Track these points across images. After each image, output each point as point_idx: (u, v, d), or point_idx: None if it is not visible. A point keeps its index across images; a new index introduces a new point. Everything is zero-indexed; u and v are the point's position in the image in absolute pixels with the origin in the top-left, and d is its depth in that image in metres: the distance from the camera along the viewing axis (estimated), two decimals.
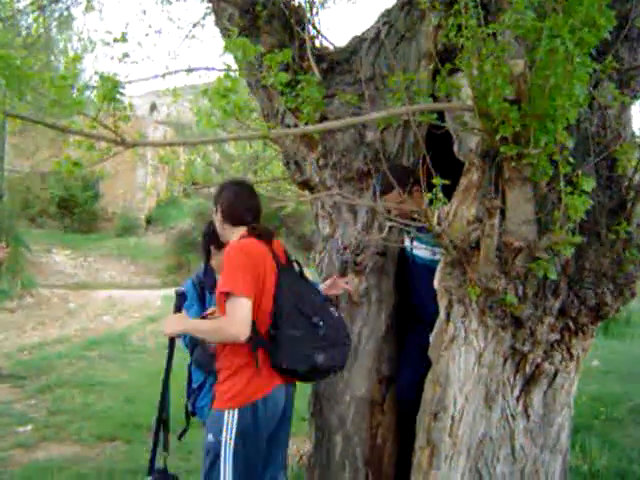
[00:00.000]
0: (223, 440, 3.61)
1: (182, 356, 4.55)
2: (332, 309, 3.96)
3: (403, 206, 3.97)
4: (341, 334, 3.88)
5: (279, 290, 3.75)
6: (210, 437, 3.70)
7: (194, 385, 4.71)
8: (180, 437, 4.65)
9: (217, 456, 3.63)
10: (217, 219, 4.07)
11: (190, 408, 4.73)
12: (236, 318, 3.51)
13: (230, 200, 3.95)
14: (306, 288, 3.96)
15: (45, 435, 7.14)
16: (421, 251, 4.40)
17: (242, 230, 3.91)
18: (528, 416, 3.81)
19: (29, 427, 7.38)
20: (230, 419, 3.62)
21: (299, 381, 3.96)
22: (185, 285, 4.80)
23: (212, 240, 4.59)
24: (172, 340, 4.06)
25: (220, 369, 3.82)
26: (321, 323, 3.73)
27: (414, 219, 3.68)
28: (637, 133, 3.97)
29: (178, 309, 4.05)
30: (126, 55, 3.40)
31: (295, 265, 4.09)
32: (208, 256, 4.76)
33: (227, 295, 3.55)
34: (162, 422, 4.18)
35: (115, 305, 15.37)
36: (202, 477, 3.80)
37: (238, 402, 3.64)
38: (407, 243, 4.48)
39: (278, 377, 3.73)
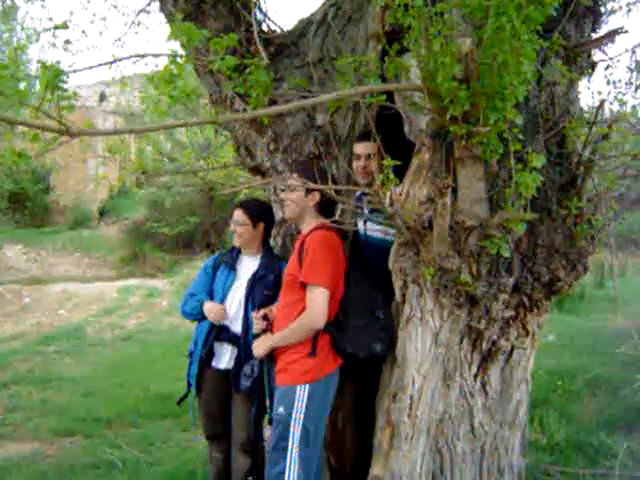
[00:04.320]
0: (294, 413, 3.90)
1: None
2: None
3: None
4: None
5: (349, 282, 4.08)
6: (281, 410, 3.97)
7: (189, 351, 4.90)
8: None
9: (287, 428, 3.91)
10: (301, 199, 4.20)
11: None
12: (317, 309, 3.91)
13: (337, 192, 4.01)
14: (369, 284, 4.15)
15: (2, 433, 7.03)
16: (375, 232, 4.40)
17: (318, 221, 4.15)
18: (486, 393, 3.84)
19: None
20: (302, 394, 3.91)
21: (354, 367, 4.16)
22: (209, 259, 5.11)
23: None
24: (262, 361, 4.38)
25: (287, 349, 4.06)
26: (382, 316, 3.96)
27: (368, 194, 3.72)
28: (585, 109, 4.00)
29: (264, 331, 4.29)
30: (68, 42, 3.32)
31: None
32: None
33: (308, 284, 3.93)
34: None
35: (70, 299, 15.14)
36: (270, 448, 4.05)
37: (309, 378, 3.94)
38: (360, 225, 4.48)
39: (339, 360, 4.06)
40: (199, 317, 4.72)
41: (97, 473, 5.87)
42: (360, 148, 4.38)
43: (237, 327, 4.60)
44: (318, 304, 3.89)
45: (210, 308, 4.63)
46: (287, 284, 4.14)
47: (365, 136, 4.40)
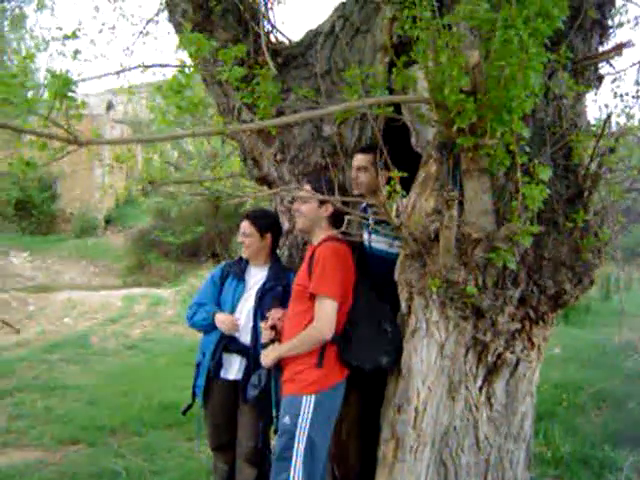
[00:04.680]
0: (299, 423, 3.89)
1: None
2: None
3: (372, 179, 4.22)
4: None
5: (357, 294, 4.07)
6: (286, 419, 3.96)
7: (197, 362, 4.87)
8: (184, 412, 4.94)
9: (292, 438, 3.89)
10: (314, 211, 4.20)
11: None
12: (326, 320, 3.92)
13: (344, 203, 4.00)
14: (377, 297, 4.14)
15: (6, 441, 7.01)
16: (379, 244, 4.41)
17: (328, 232, 4.18)
18: (491, 406, 3.83)
19: None
20: (308, 404, 3.91)
21: (360, 377, 4.16)
22: (216, 269, 5.08)
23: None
24: (269, 371, 4.33)
25: (294, 360, 4.06)
26: (389, 329, 3.94)
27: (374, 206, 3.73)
28: (592, 122, 4.00)
29: (272, 341, 4.27)
30: (78, 52, 3.33)
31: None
32: None
33: (317, 295, 3.94)
34: None
35: (75, 307, 15.15)
36: (274, 457, 4.04)
37: (315, 389, 3.93)
38: (365, 236, 4.48)
39: (346, 371, 4.05)
40: (209, 328, 4.70)
41: None
42: (354, 160, 4.41)
43: (246, 338, 4.59)
44: (326, 315, 3.90)
45: (223, 319, 4.60)
46: (296, 294, 4.14)
47: (361, 149, 4.43)
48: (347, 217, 3.77)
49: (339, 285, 3.95)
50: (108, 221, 28.52)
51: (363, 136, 4.59)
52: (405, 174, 3.34)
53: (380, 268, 4.19)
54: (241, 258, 4.86)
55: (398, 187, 3.27)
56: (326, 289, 3.91)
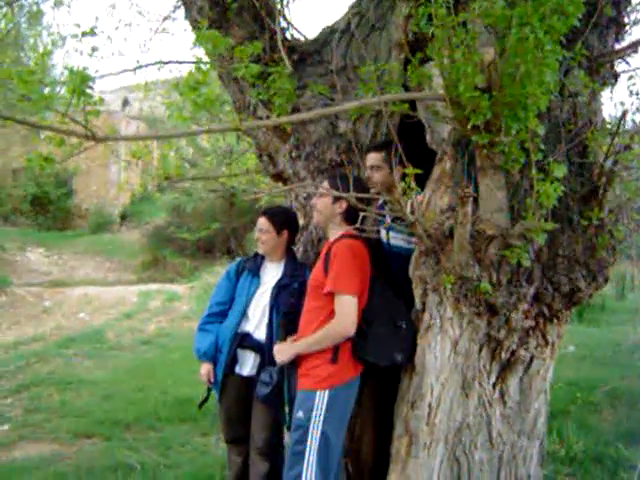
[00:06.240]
0: (313, 418, 3.90)
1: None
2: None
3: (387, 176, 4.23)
4: None
5: (373, 291, 4.05)
6: (300, 414, 3.97)
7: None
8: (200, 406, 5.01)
9: (305, 433, 3.90)
10: (328, 207, 4.21)
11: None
12: (346, 317, 3.90)
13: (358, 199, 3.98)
14: (392, 293, 4.15)
15: (22, 434, 7.06)
16: (398, 240, 4.41)
17: (344, 228, 4.15)
18: (505, 402, 3.83)
19: (6, 426, 7.30)
20: (321, 399, 3.91)
21: (375, 374, 4.19)
22: (232, 264, 5.12)
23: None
24: (282, 367, 4.29)
25: (309, 355, 4.06)
26: (404, 326, 3.94)
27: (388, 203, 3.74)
28: (607, 120, 3.99)
29: (284, 338, 4.31)
30: (95, 49, 3.36)
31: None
32: None
33: (337, 293, 3.93)
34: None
35: (91, 302, 15.23)
36: (288, 451, 4.07)
37: (329, 384, 3.93)
38: (382, 233, 4.49)
39: (360, 367, 4.04)
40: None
41: (115, 476, 5.88)
42: (367, 159, 4.41)
43: (261, 334, 4.59)
44: (348, 312, 3.89)
45: (203, 372, 4.79)
46: (312, 289, 4.14)
47: (373, 147, 4.43)
48: (362, 214, 3.78)
49: (357, 281, 3.94)
50: (124, 217, 28.56)
51: (378, 133, 4.60)
52: (420, 171, 3.35)
53: (399, 265, 4.18)
54: (257, 254, 4.88)
55: (413, 184, 3.28)
56: (345, 286, 3.90)
